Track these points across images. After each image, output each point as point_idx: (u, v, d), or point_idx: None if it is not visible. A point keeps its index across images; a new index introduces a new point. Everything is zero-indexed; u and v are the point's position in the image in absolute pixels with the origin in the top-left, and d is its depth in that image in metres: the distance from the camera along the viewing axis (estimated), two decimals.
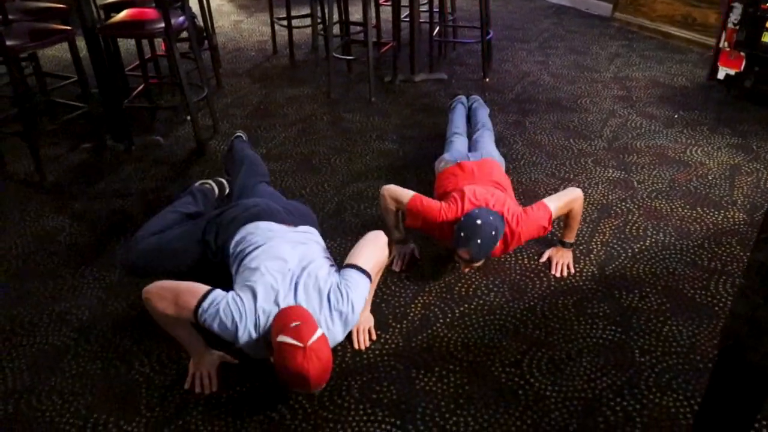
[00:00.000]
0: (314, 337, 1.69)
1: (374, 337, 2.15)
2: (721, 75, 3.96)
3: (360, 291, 1.92)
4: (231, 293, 1.85)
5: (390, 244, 2.20)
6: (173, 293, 1.84)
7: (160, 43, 4.24)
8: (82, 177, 3.25)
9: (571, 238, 2.47)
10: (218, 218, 2.20)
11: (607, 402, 1.88)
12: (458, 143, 2.96)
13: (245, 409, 1.90)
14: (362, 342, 2.12)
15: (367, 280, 1.96)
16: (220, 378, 1.99)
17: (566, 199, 2.38)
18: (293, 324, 1.70)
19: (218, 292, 1.83)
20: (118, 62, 3.72)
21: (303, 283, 1.89)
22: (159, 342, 2.15)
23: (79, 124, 3.61)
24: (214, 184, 2.78)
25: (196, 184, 2.76)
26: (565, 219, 2.45)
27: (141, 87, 3.74)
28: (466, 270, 2.37)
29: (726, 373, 1.41)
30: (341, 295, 1.88)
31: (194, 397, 1.94)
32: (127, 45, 4.80)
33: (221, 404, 1.91)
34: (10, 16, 3.32)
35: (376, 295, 2.31)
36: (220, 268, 2.14)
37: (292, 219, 2.20)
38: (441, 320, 2.22)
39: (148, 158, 3.43)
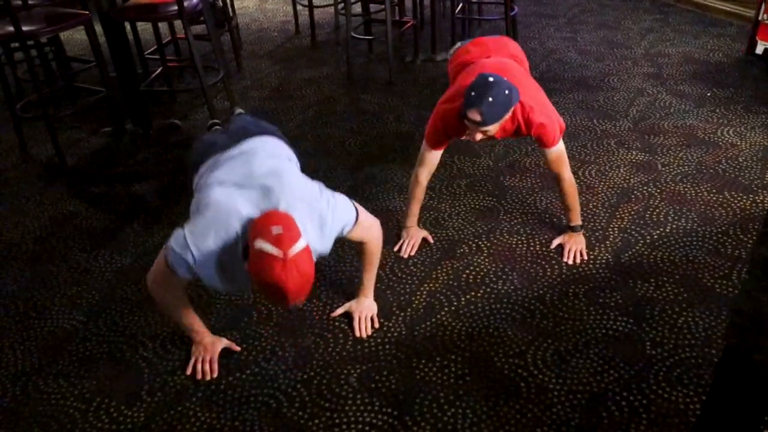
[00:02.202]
0: (296, 248, 1.50)
1: (377, 324, 2.11)
2: (759, 50, 3.75)
3: (343, 211, 1.82)
4: (180, 234, 1.67)
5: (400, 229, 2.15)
6: (155, 267, 1.81)
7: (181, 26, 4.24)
8: (100, 161, 3.29)
9: (576, 219, 2.38)
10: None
11: (612, 396, 1.81)
12: None
13: (243, 396, 1.90)
14: (364, 330, 2.08)
15: (354, 210, 1.86)
16: (221, 365, 1.99)
17: (566, 162, 2.27)
18: (274, 230, 1.52)
19: (173, 237, 1.69)
20: (137, 46, 3.74)
21: (277, 189, 1.72)
22: (164, 327, 2.16)
23: (100, 108, 3.65)
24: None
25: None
26: (562, 198, 2.36)
27: (158, 70, 3.75)
28: (478, 138, 2.08)
29: (730, 374, 1.33)
30: (327, 205, 1.77)
31: (194, 384, 1.94)
32: (150, 28, 4.82)
33: (220, 391, 1.92)
34: (30, 1, 3.36)
35: (380, 282, 2.27)
36: None
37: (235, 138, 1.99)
38: (446, 308, 2.17)
39: (166, 142, 3.44)
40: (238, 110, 3.09)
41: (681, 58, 4.04)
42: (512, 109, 2.05)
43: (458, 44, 2.66)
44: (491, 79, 1.99)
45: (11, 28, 2.86)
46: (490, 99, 1.96)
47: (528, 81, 2.30)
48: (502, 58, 2.37)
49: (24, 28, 2.88)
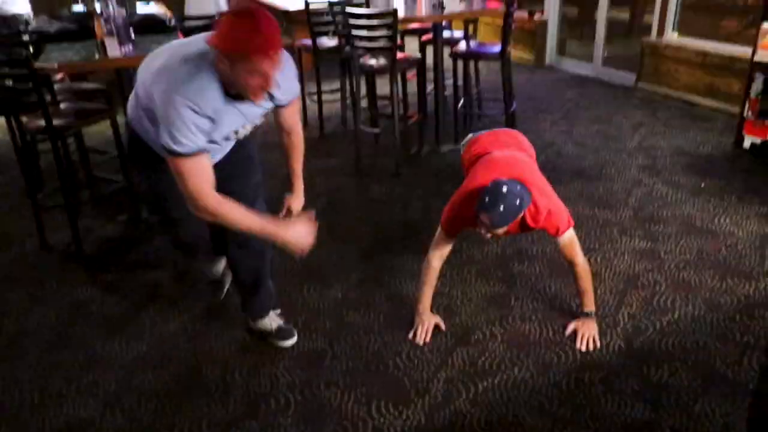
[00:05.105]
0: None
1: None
2: (746, 144, 3.94)
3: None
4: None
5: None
6: (187, 187, 1.87)
7: None
8: (116, 248, 3.35)
9: (590, 306, 2.43)
10: None
11: None
12: None
13: None
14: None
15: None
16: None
17: (578, 247, 2.37)
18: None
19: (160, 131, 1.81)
20: None
21: None
22: (181, 416, 2.15)
23: (117, 197, 3.75)
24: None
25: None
26: (575, 282, 2.42)
27: None
28: (487, 236, 2.28)
29: None
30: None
31: None
32: None
33: None
34: (59, 97, 3.53)
35: (396, 368, 2.29)
36: None
37: None
38: (464, 396, 2.18)
39: None
40: None
41: (673, 151, 4.22)
42: (522, 213, 2.20)
43: (471, 135, 2.82)
44: (504, 189, 2.15)
45: (42, 122, 3.00)
46: (501, 208, 2.13)
47: (536, 176, 2.43)
48: (513, 152, 2.52)
49: (55, 122, 3.02)
